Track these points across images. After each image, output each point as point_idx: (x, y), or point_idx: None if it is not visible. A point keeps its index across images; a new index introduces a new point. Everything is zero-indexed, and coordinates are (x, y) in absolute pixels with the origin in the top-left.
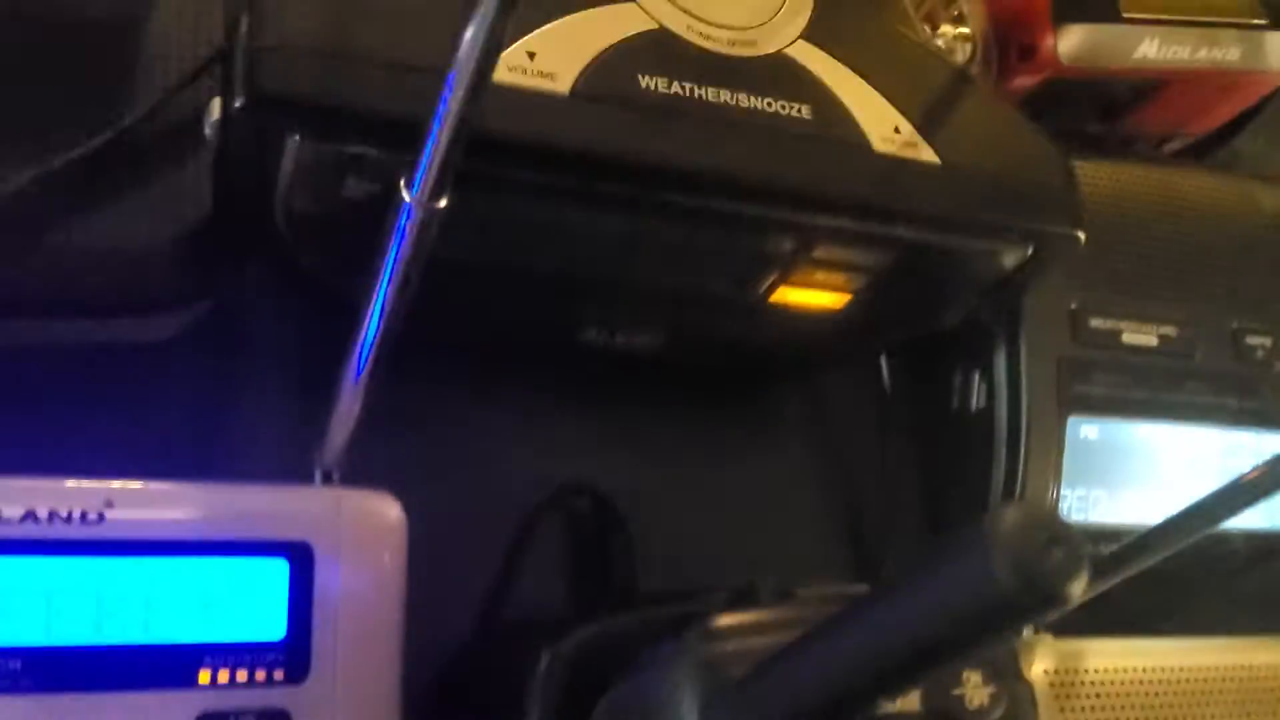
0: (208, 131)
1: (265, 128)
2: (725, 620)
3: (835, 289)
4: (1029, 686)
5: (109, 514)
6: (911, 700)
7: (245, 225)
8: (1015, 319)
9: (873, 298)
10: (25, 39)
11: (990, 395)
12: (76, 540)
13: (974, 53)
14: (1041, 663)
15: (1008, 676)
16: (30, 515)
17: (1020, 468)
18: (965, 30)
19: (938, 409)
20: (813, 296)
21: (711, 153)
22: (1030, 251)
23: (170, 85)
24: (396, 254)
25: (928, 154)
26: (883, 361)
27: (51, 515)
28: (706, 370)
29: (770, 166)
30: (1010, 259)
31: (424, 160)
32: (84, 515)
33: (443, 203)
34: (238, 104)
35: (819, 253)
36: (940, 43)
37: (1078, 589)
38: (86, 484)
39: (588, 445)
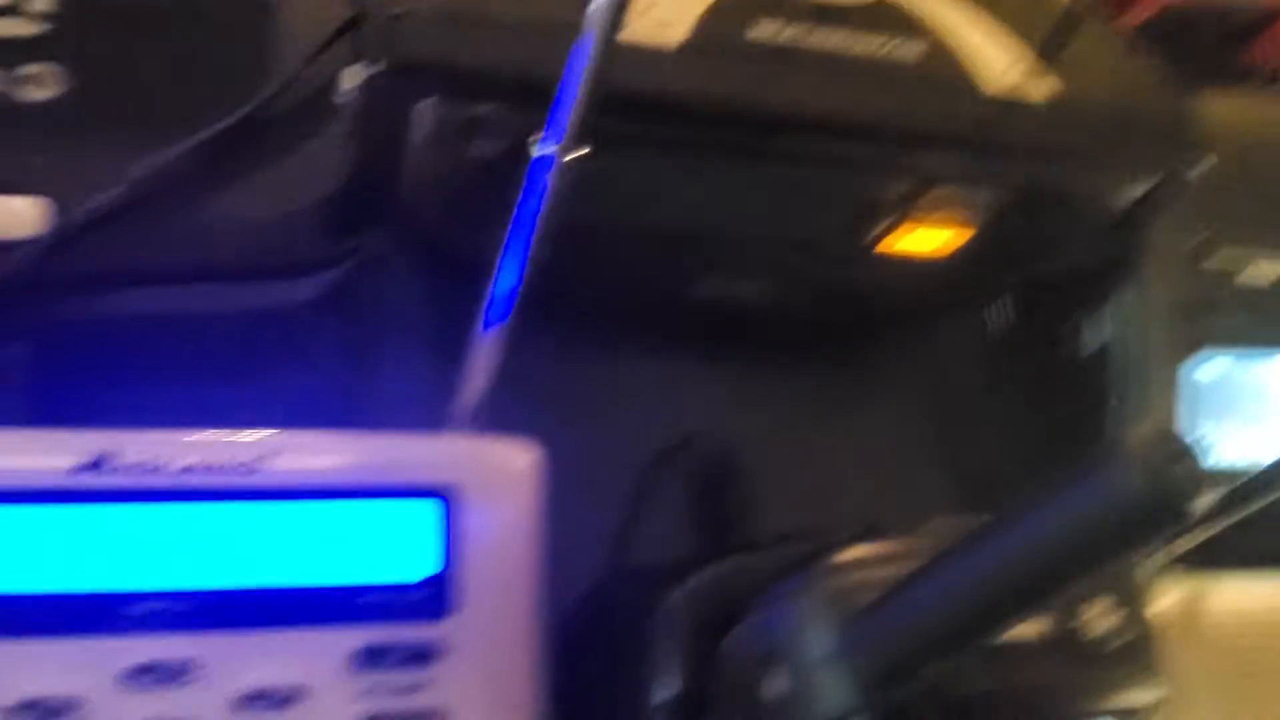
0: (342, 100)
1: (401, 91)
2: (850, 554)
3: (951, 228)
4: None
5: (269, 463)
6: (1035, 627)
7: (380, 190)
8: (1133, 259)
9: (987, 240)
10: (165, 23)
11: (1107, 337)
12: (238, 487)
13: None
14: (1169, 595)
15: (1133, 604)
16: (194, 465)
17: (1138, 410)
18: None
19: (1052, 353)
20: (924, 242)
21: (823, 97)
22: (1151, 184)
23: (302, 58)
24: (532, 207)
25: (1041, 90)
26: (996, 305)
27: (214, 464)
28: (821, 318)
29: (882, 108)
30: (1129, 193)
31: (561, 113)
32: (243, 464)
33: (578, 154)
34: (376, 70)
35: (932, 196)
36: None
37: (1202, 500)
38: (246, 435)
39: (706, 394)
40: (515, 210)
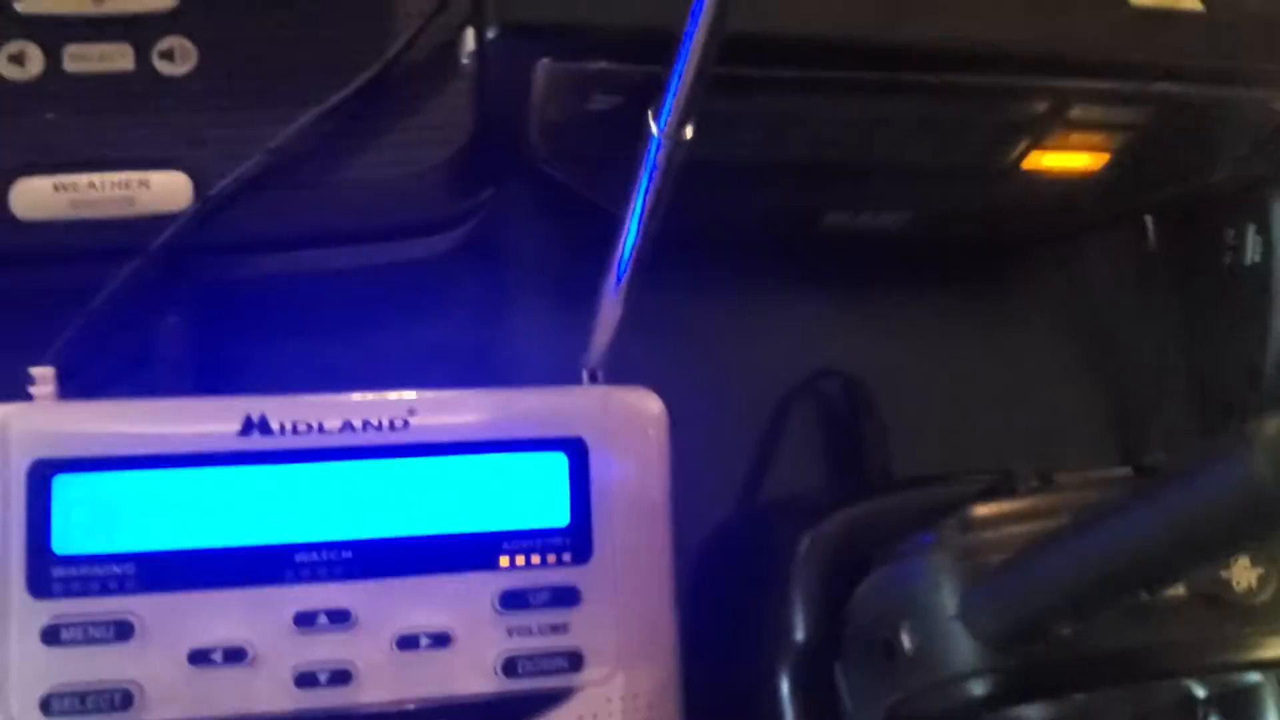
0: (464, 60)
1: (517, 52)
2: (982, 510)
3: (1093, 149)
4: None
5: (413, 420)
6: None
7: (504, 146)
8: None
9: (1135, 157)
10: None
11: (1267, 249)
12: (387, 444)
13: None
14: None
15: (1278, 557)
16: (347, 425)
17: None
18: None
19: (1208, 268)
20: (1069, 160)
21: (956, 27)
22: None
23: (426, 12)
24: (648, 183)
25: (1189, 2)
26: (1148, 221)
27: (365, 424)
28: (956, 245)
29: (1018, 31)
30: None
31: (670, 95)
32: (391, 422)
33: (689, 134)
34: (490, 34)
35: (1074, 114)
36: None
37: None
38: (392, 395)
39: (838, 329)
40: (635, 176)
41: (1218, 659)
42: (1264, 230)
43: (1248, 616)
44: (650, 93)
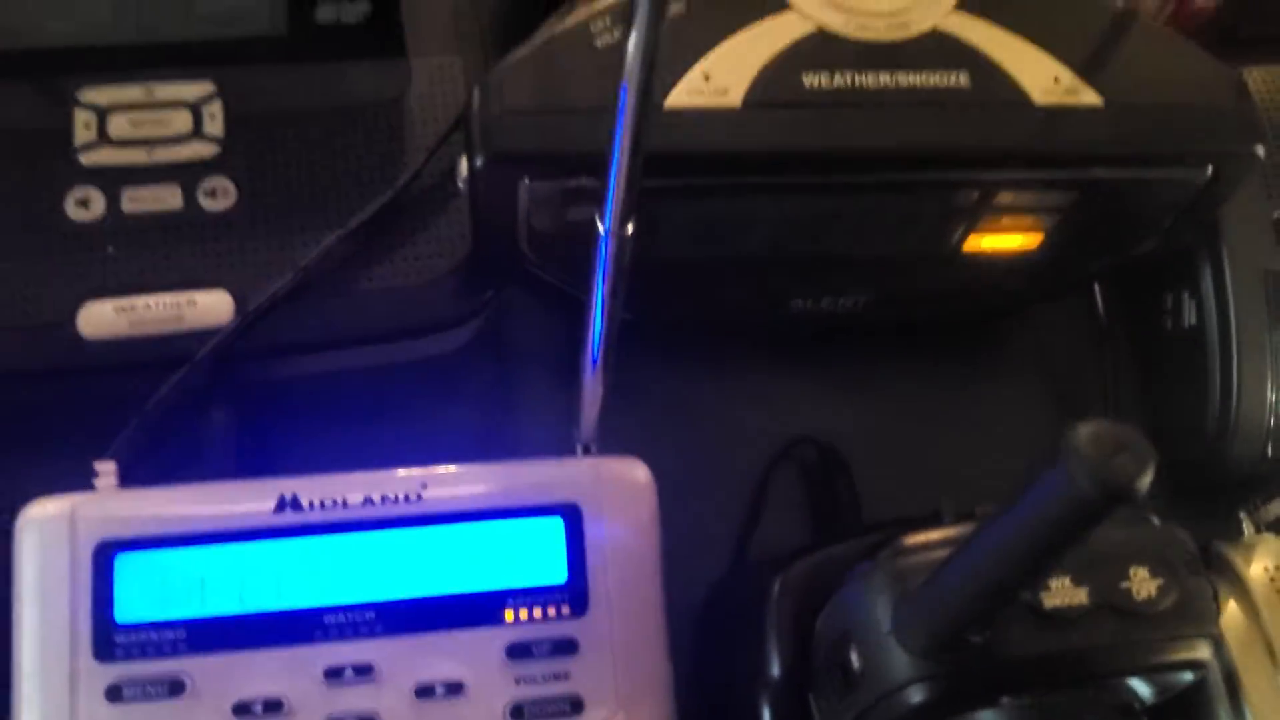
0: (460, 184)
1: (503, 176)
2: (912, 540)
3: (1025, 230)
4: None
5: (425, 493)
6: (1080, 594)
7: (501, 253)
8: (1215, 236)
9: (1065, 234)
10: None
11: (1200, 312)
12: (403, 516)
13: None
14: (1262, 560)
15: (1177, 570)
16: (368, 500)
17: (1235, 380)
18: None
19: (1152, 330)
20: (1005, 240)
21: (879, 133)
22: (1209, 173)
23: (429, 148)
24: (602, 274)
25: (1090, 97)
26: (1095, 289)
27: (383, 498)
28: (916, 321)
29: (937, 136)
30: (1190, 183)
31: (610, 194)
32: (406, 496)
33: (630, 229)
34: (478, 163)
35: (1001, 201)
36: None
37: (1142, 487)
38: (405, 472)
39: (811, 399)
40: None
41: (1122, 663)
42: (1195, 295)
43: (1149, 623)
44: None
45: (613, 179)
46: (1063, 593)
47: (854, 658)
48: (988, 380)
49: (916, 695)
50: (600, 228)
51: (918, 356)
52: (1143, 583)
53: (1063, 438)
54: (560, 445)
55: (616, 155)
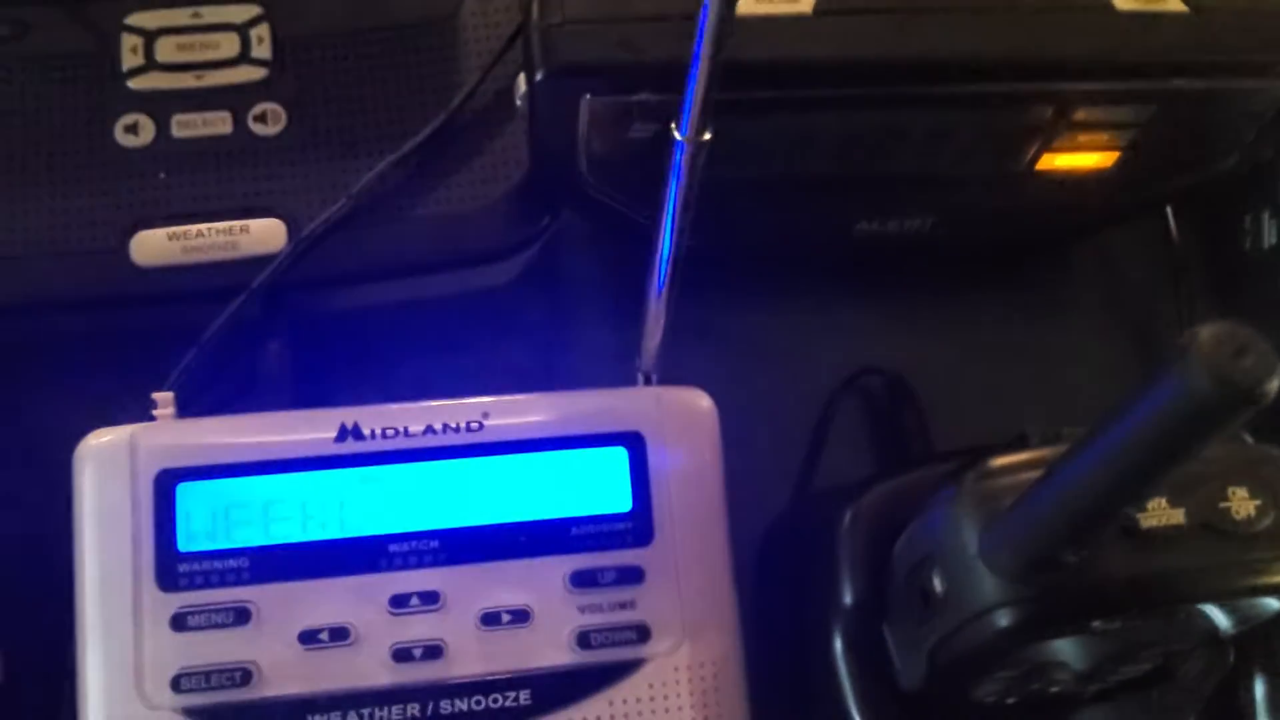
0: (518, 103)
1: (563, 91)
2: (997, 461)
3: (1101, 148)
4: None
5: (487, 422)
6: (1176, 514)
7: (558, 177)
8: None
9: (1143, 151)
10: (362, 53)
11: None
12: (466, 445)
13: None
14: None
15: (1276, 489)
16: (429, 429)
17: None
18: None
19: (1230, 253)
20: (1080, 159)
21: (956, 41)
22: None
23: (480, 69)
24: (675, 186)
25: (1173, 3)
26: (1169, 211)
27: (445, 427)
28: (985, 245)
29: (1015, 44)
30: (1274, 95)
31: (687, 101)
32: (468, 425)
33: (707, 136)
34: (538, 77)
35: (1078, 116)
36: None
37: (1270, 390)
38: (468, 401)
39: (876, 329)
40: (664, 184)
41: (1220, 585)
42: (1276, 214)
43: (1248, 544)
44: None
45: (692, 81)
46: (1159, 513)
47: (936, 583)
48: (1057, 308)
49: (1004, 619)
50: (676, 134)
51: (985, 285)
52: (1241, 502)
53: (1180, 338)
54: (615, 379)
55: (698, 57)
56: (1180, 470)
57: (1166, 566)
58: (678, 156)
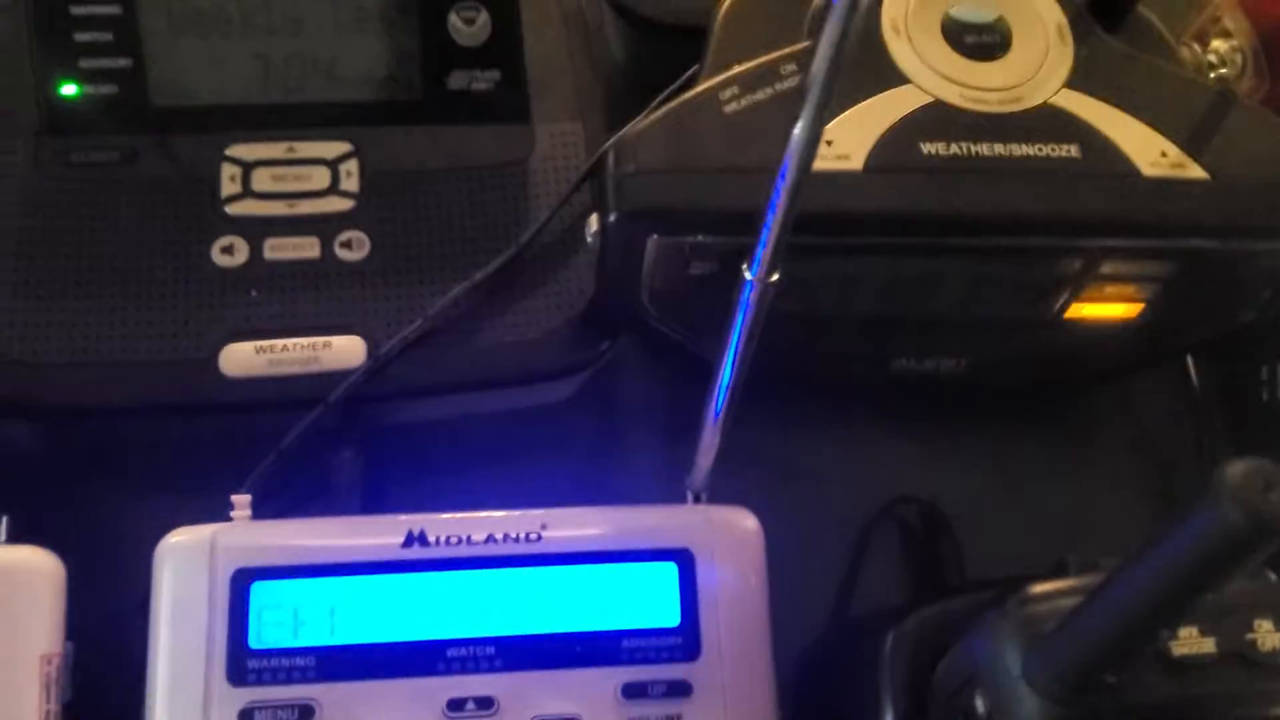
0: (589, 239)
1: (632, 231)
2: (1039, 589)
3: (1127, 300)
4: None
5: (545, 534)
6: (1207, 643)
7: (620, 306)
8: None
9: (1165, 304)
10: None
11: None
12: (524, 555)
13: (1245, 63)
14: None
15: None
16: (490, 538)
17: None
18: (1235, 43)
19: (1248, 402)
20: (1106, 309)
21: (993, 199)
22: None
23: (552, 205)
24: (742, 321)
25: (1196, 171)
26: (1189, 359)
27: (505, 537)
28: (1016, 386)
29: (1047, 203)
30: None
31: (761, 244)
32: (527, 535)
33: (775, 278)
34: (611, 218)
35: (1105, 269)
36: (1213, 57)
37: None
38: (528, 513)
39: (912, 459)
40: (730, 319)
41: (1246, 712)
42: None
43: (1273, 674)
44: (737, 259)
45: (767, 228)
46: (1190, 642)
47: (979, 704)
48: (1082, 447)
49: None
50: (746, 275)
51: (1015, 421)
52: (1267, 634)
53: (1214, 474)
54: (659, 497)
55: (774, 205)
56: (1209, 602)
57: (1197, 692)
58: (746, 294)
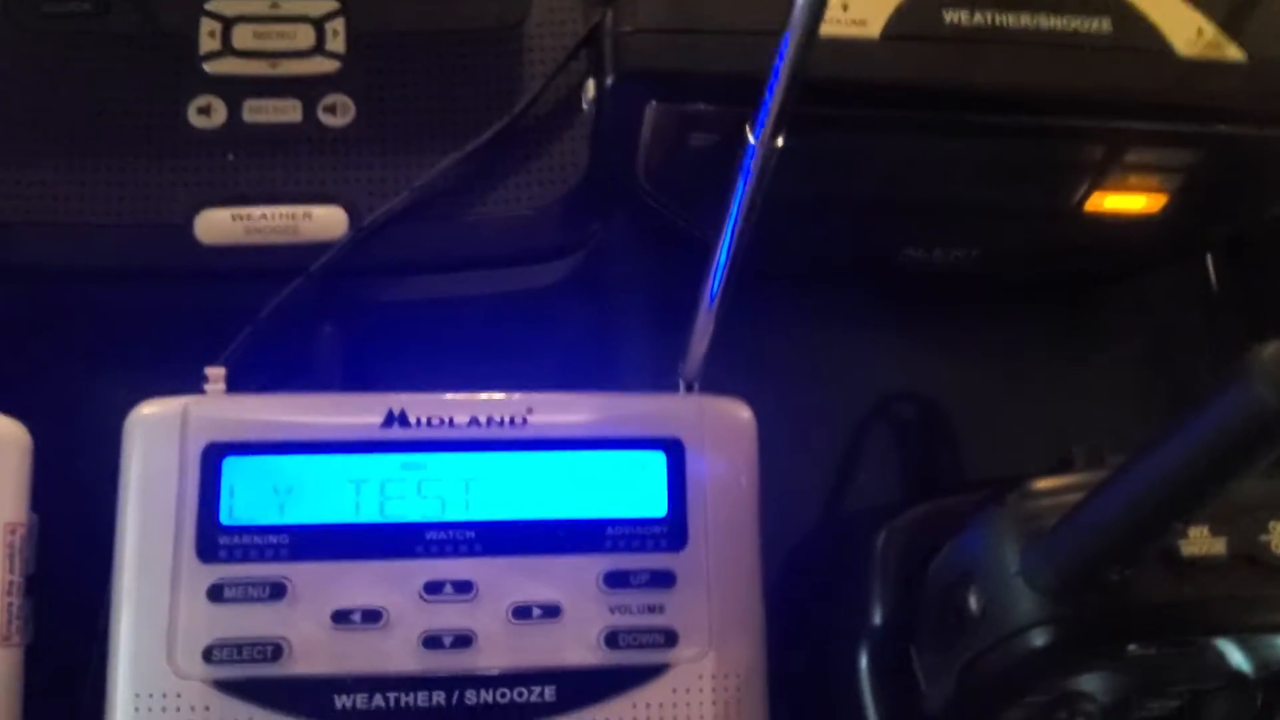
0: (585, 107)
1: (631, 97)
2: (1042, 483)
3: (1151, 191)
4: None
5: (530, 418)
6: (1217, 544)
7: (614, 182)
8: None
9: (1191, 196)
10: (433, 52)
11: None
12: (508, 439)
13: None
14: None
15: None
16: (474, 420)
17: None
18: None
19: (1266, 302)
20: (1128, 201)
21: (1017, 73)
22: None
23: (547, 73)
24: (743, 188)
25: (1233, 52)
26: (1208, 257)
27: (489, 420)
28: (1026, 281)
29: (1075, 79)
30: None
31: (765, 107)
32: (512, 419)
33: (780, 142)
34: (608, 81)
35: (1131, 157)
36: None
37: None
38: (514, 396)
39: (912, 356)
40: (730, 193)
41: (1254, 617)
42: None
43: None
44: (739, 130)
45: (772, 87)
46: (1200, 541)
47: (973, 601)
48: (1091, 349)
49: (1040, 638)
50: (750, 138)
51: (1022, 319)
52: None
53: (1244, 356)
54: (652, 385)
55: (780, 65)
56: (1223, 501)
57: (1205, 594)
58: (748, 160)
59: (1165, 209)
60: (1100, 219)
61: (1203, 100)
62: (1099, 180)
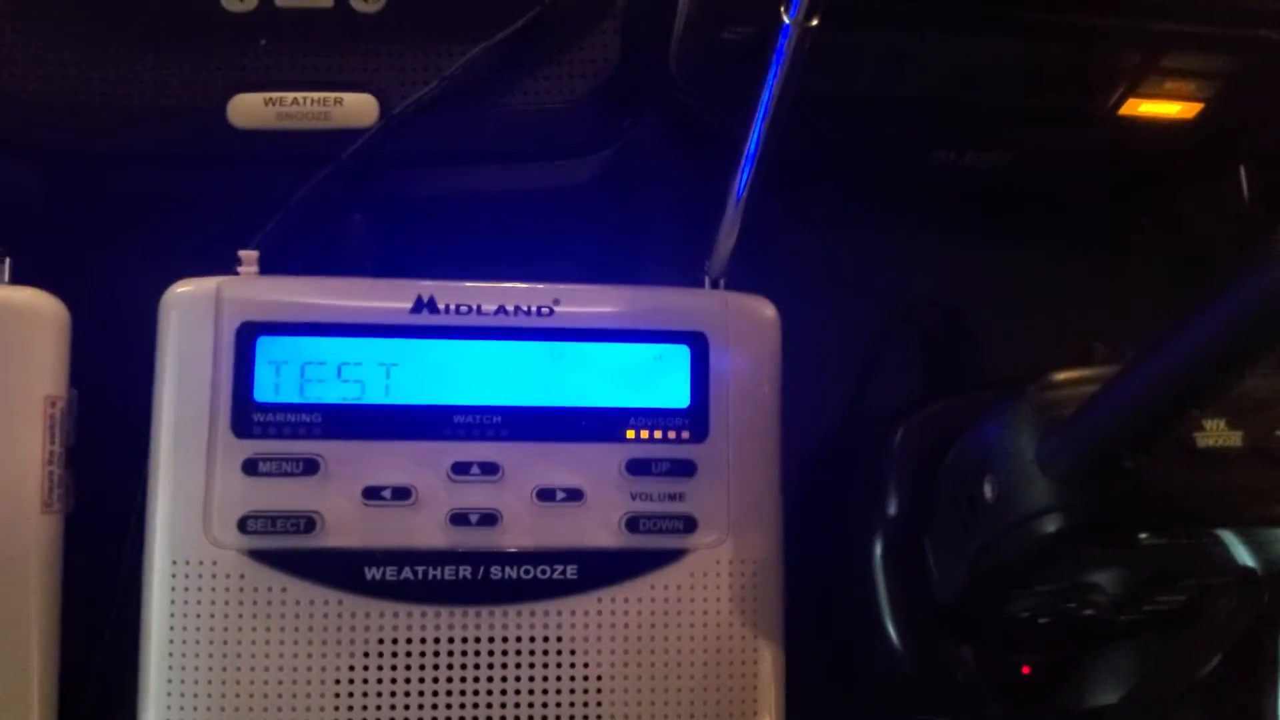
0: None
1: None
2: (1061, 375)
3: (1186, 98)
4: None
5: (557, 309)
6: (1234, 436)
7: (644, 79)
8: None
9: (1227, 103)
10: None
11: None
12: (535, 328)
13: None
14: None
15: None
16: (501, 309)
17: None
18: None
19: None
20: (1163, 107)
21: None
22: None
23: None
24: (775, 73)
25: None
26: (1241, 170)
27: (516, 309)
28: (1058, 189)
29: None
30: None
31: None
32: (539, 309)
33: (814, 22)
34: None
35: (1168, 61)
36: None
37: None
38: (541, 286)
39: (940, 260)
40: (761, 83)
41: (1267, 510)
42: None
43: None
44: (773, 23)
45: None
46: (1217, 433)
47: (988, 489)
48: (1121, 259)
49: (1054, 523)
50: (784, 18)
51: (1052, 229)
52: None
53: (1268, 239)
54: (679, 284)
55: None
56: (1242, 395)
57: (1219, 485)
58: (781, 42)
59: (1200, 115)
60: (1134, 124)
61: (1246, 3)
62: (1135, 84)
